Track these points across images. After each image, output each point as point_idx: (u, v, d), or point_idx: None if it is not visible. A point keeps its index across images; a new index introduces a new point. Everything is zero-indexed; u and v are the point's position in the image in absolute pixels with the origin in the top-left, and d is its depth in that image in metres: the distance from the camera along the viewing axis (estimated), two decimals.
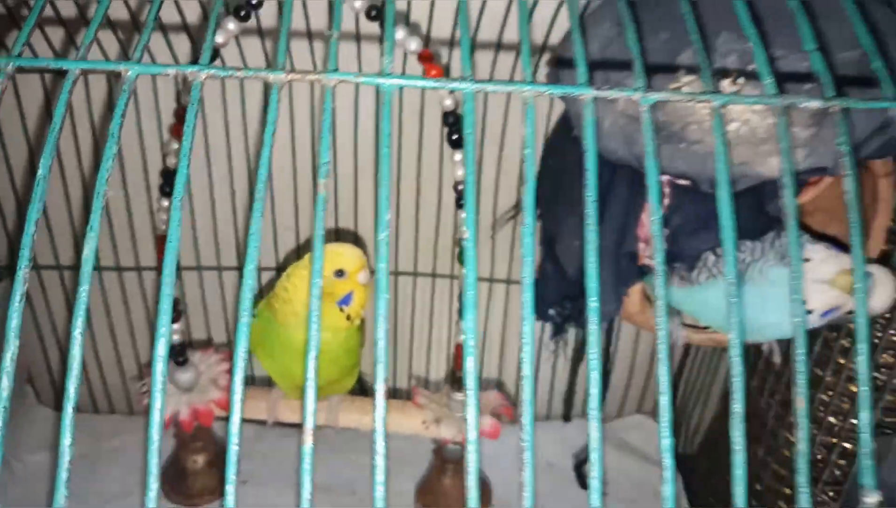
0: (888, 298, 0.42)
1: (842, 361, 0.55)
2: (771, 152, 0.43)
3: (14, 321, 0.23)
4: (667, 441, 0.23)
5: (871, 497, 0.25)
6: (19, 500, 0.63)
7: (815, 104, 0.29)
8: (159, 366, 0.23)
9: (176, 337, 0.58)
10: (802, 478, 0.24)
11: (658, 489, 0.74)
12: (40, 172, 0.24)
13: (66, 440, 0.22)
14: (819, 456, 0.59)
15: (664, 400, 0.24)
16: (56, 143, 0.25)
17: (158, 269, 0.55)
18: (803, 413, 0.25)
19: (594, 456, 0.24)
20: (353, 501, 0.66)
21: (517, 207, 0.64)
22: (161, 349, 0.22)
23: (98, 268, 0.68)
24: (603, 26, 0.49)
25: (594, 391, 0.24)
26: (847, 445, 0.58)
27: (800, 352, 0.25)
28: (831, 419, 0.58)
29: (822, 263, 0.45)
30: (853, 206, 0.27)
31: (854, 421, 0.59)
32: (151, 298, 0.71)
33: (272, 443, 0.70)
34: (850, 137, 0.27)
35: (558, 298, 0.53)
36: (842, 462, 0.59)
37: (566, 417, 0.74)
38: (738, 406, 0.25)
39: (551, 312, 0.56)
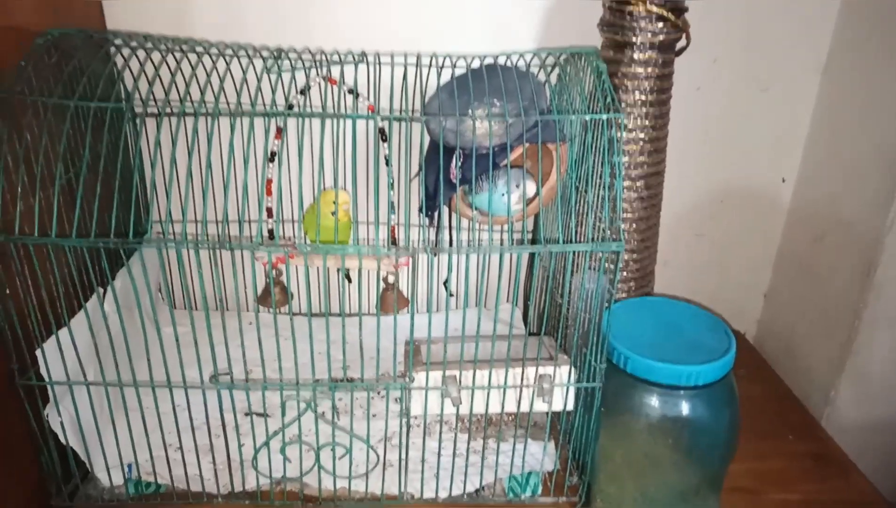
0: (532, 189, 1.19)
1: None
2: (487, 138, 1.20)
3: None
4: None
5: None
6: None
7: (504, 121, 1.08)
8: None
9: (271, 228, 1.36)
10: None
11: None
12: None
13: None
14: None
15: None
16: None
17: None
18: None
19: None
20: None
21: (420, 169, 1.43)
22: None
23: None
24: (441, 96, 1.28)
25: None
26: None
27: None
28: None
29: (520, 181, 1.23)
30: (523, 161, 1.05)
31: None
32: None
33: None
34: (516, 131, 1.08)
35: (427, 204, 1.30)
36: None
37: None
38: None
39: (427, 212, 1.33)
